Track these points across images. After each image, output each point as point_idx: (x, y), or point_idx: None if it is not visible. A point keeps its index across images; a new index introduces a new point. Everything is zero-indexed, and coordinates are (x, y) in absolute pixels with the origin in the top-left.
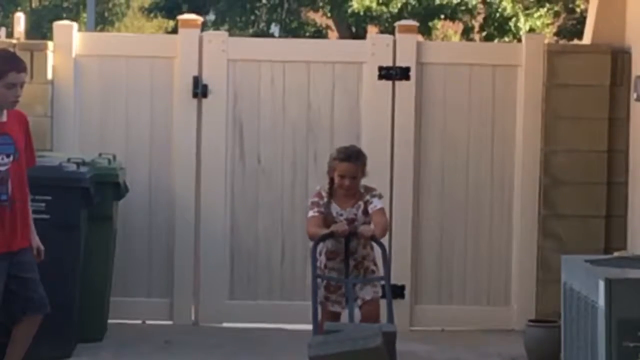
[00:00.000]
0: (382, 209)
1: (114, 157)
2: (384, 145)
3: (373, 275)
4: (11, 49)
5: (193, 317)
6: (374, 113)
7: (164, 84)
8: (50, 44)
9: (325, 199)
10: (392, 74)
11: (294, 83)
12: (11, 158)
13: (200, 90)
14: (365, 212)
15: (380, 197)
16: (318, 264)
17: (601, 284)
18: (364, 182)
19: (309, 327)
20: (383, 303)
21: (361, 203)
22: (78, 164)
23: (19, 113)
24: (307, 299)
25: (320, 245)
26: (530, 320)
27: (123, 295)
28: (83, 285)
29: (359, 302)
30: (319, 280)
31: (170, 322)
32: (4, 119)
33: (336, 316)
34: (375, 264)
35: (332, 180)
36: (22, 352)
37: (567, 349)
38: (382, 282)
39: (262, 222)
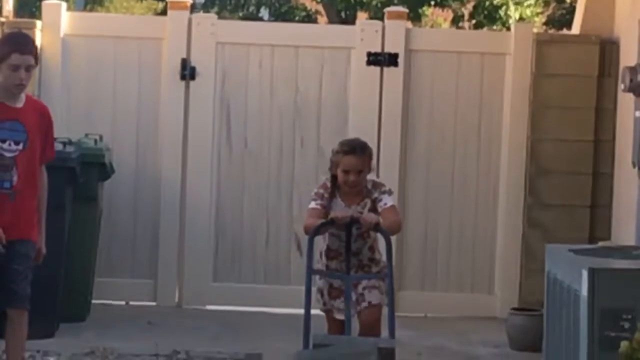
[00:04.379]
0: (393, 207)
1: (101, 137)
2: (371, 131)
3: (380, 286)
4: None
5: (177, 299)
6: (361, 99)
7: (152, 65)
8: (38, 23)
9: (330, 193)
10: (381, 60)
11: (282, 67)
12: (20, 146)
13: (188, 72)
14: (374, 210)
15: (390, 193)
16: (319, 265)
17: (584, 274)
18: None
19: (293, 311)
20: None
21: (368, 200)
22: (64, 144)
23: (41, 105)
24: (291, 283)
25: (321, 245)
26: (513, 309)
27: (107, 276)
28: (67, 265)
29: (364, 305)
30: (320, 284)
31: (153, 304)
32: (19, 105)
33: (344, 325)
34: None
35: (334, 178)
36: (23, 350)
37: (550, 338)
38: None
39: (247, 205)
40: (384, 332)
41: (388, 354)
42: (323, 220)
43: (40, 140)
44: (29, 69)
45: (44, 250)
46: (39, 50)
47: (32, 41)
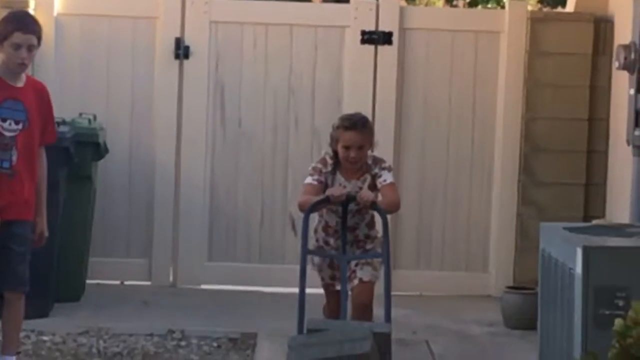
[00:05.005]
0: (392, 184)
1: (95, 117)
2: (365, 110)
3: (373, 262)
4: None
5: (171, 279)
6: (356, 77)
7: (145, 44)
8: (31, 2)
9: (330, 168)
10: (375, 38)
11: (276, 46)
12: (20, 125)
13: (182, 51)
14: (373, 186)
15: (390, 169)
16: (314, 241)
17: (579, 252)
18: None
19: (287, 290)
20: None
21: (368, 176)
22: (58, 124)
23: (39, 84)
24: (285, 262)
25: (317, 220)
26: (508, 287)
27: (102, 256)
28: (61, 245)
29: (355, 282)
30: (317, 261)
31: (148, 283)
32: (20, 84)
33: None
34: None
35: (335, 153)
36: (19, 332)
37: (544, 316)
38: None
39: (241, 184)
40: (378, 309)
41: (383, 339)
42: (318, 198)
43: (40, 121)
44: (31, 48)
45: (46, 233)
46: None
47: (36, 21)
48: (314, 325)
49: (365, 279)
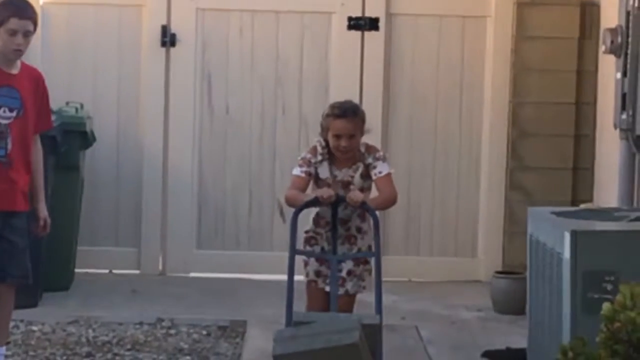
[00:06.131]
0: (388, 176)
1: (81, 105)
2: (352, 96)
3: (361, 273)
4: None
5: (160, 267)
6: (343, 64)
7: (132, 32)
8: None
9: (320, 158)
10: (361, 24)
11: (262, 33)
12: (14, 113)
13: (168, 39)
14: (367, 176)
15: (385, 159)
16: (304, 232)
17: (567, 236)
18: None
19: (276, 277)
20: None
21: (360, 164)
22: None
23: (35, 71)
24: (274, 249)
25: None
26: (497, 272)
27: (90, 245)
28: (50, 234)
29: (341, 291)
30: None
31: (137, 272)
32: (15, 71)
33: (327, 296)
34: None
35: (327, 142)
36: (8, 323)
37: (533, 300)
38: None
39: (229, 172)
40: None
41: (373, 331)
42: (307, 199)
43: (36, 108)
44: (27, 34)
45: (48, 220)
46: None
47: (32, 7)
48: (301, 319)
49: (352, 291)
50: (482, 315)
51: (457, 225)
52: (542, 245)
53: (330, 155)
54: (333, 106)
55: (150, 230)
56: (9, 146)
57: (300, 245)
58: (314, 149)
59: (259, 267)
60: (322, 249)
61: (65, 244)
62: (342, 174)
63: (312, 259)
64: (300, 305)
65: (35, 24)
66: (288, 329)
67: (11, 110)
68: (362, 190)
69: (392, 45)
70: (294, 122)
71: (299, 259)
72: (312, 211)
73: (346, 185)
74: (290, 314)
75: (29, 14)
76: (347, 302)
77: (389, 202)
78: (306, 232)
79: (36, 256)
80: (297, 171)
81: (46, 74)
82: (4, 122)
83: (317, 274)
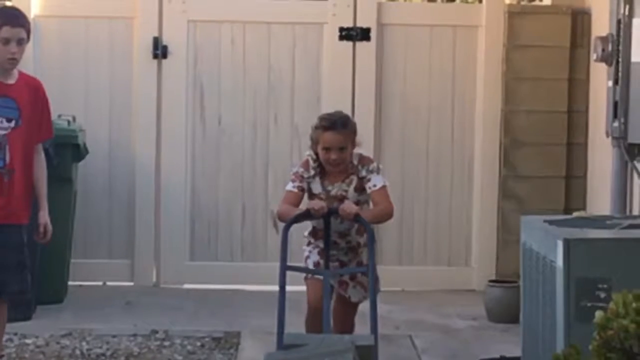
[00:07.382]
0: (384, 189)
1: (74, 118)
2: (344, 106)
3: (363, 282)
4: None
5: (154, 279)
6: (334, 74)
7: (123, 44)
8: (8, 3)
9: (312, 172)
10: (353, 34)
11: (254, 44)
12: (12, 123)
13: (160, 51)
14: (361, 189)
15: (379, 171)
16: (307, 234)
17: (559, 244)
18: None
19: (269, 287)
20: None
21: (354, 177)
22: None
23: (34, 81)
24: (267, 260)
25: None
26: (491, 281)
27: (83, 257)
28: (43, 246)
29: (344, 294)
30: (309, 248)
31: (131, 284)
32: (11, 81)
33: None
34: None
35: (318, 156)
36: (1, 338)
37: (527, 308)
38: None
39: (222, 183)
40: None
41: (367, 352)
42: (299, 212)
43: (36, 118)
44: (20, 42)
45: (50, 226)
46: None
47: (24, 15)
48: (292, 341)
49: (354, 299)
50: (476, 324)
51: (451, 234)
52: (535, 253)
53: (322, 169)
54: (322, 118)
55: (144, 242)
56: (8, 157)
57: (303, 244)
58: (306, 162)
59: (253, 278)
60: (322, 246)
61: (59, 257)
62: (336, 189)
63: (314, 252)
64: (293, 317)
65: (28, 32)
66: (278, 353)
67: (9, 121)
68: (357, 203)
69: (383, 55)
70: (286, 133)
71: (300, 259)
72: (304, 225)
73: (341, 200)
74: (281, 336)
75: (21, 21)
76: (349, 312)
77: (384, 215)
78: (307, 244)
79: (30, 269)
80: (289, 186)
81: None
82: (2, 132)
83: (317, 264)
